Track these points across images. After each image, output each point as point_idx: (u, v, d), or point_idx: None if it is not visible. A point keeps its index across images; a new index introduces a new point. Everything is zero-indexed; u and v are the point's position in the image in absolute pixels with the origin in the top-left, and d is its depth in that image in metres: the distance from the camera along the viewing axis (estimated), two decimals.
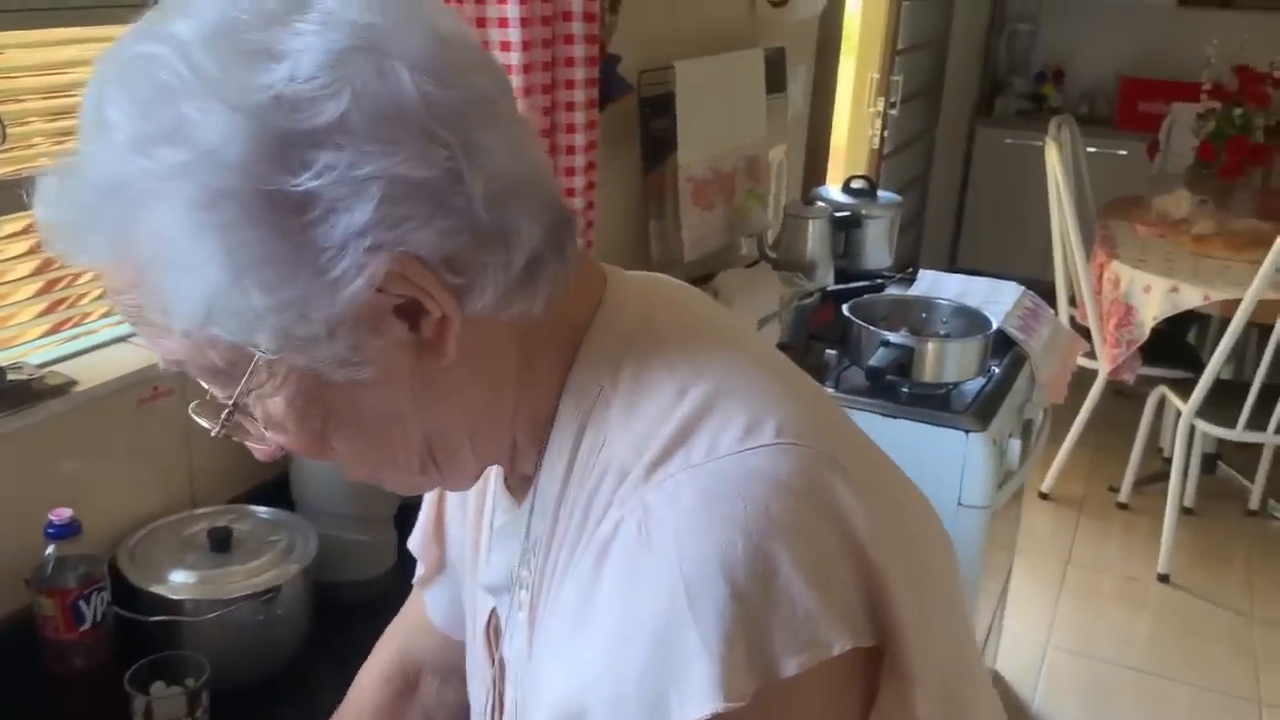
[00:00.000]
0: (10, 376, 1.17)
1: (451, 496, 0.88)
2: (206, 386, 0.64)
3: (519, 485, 0.73)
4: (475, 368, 0.64)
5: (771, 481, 0.58)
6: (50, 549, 1.10)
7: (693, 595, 0.55)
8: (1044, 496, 3.51)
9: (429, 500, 0.90)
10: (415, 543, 0.92)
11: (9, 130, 1.14)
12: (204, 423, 0.65)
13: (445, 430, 0.66)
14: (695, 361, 0.65)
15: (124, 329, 1.37)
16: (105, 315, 1.36)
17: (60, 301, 1.31)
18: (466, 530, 0.84)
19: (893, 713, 0.59)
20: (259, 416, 0.63)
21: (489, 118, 0.60)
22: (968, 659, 0.70)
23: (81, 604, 1.11)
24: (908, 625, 0.58)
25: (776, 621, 0.55)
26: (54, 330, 1.31)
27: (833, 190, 2.71)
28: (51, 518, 1.10)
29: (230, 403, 0.62)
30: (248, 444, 0.66)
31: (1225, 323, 2.97)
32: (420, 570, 0.92)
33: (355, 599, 1.38)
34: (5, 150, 1.15)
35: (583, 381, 0.66)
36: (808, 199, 2.62)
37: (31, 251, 1.27)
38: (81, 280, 1.32)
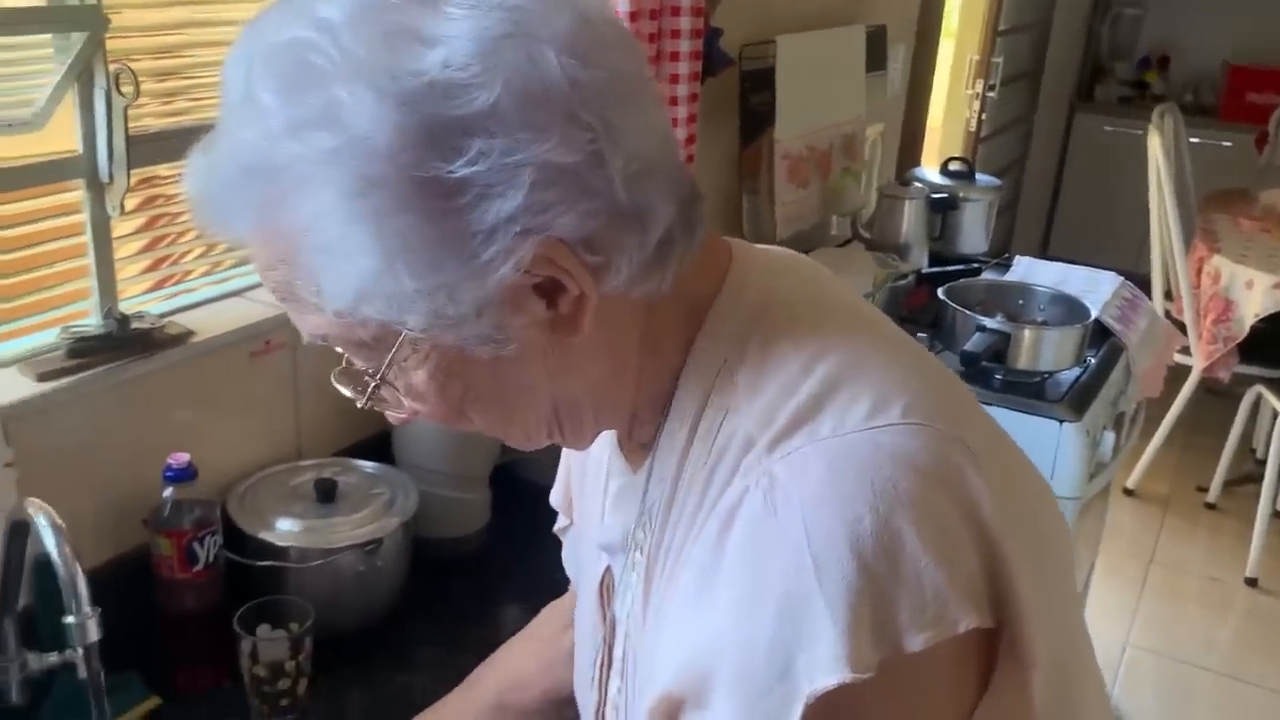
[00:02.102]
0: (134, 325, 1.22)
1: (573, 455, 0.90)
2: (349, 358, 0.66)
3: (635, 451, 0.74)
4: (603, 342, 0.65)
5: (899, 459, 0.58)
6: (168, 491, 1.14)
7: (820, 567, 0.55)
8: (1129, 493, 3.44)
9: (565, 458, 0.93)
10: (555, 498, 0.95)
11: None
12: (346, 391, 0.67)
13: (573, 400, 0.68)
14: (822, 337, 0.65)
15: (231, 285, 1.41)
16: (206, 274, 1.40)
17: (164, 259, 1.35)
18: (585, 488, 0.86)
19: (1008, 695, 0.59)
20: (401, 387, 0.65)
21: (629, 97, 0.61)
22: (1081, 648, 0.70)
23: (195, 546, 1.15)
24: (1027, 608, 0.58)
25: (903, 596, 0.55)
26: (156, 287, 1.34)
27: (929, 172, 2.67)
28: (170, 461, 1.14)
29: (377, 377, 0.63)
30: (386, 411, 0.68)
31: None
32: (562, 521, 0.95)
33: (449, 555, 1.41)
34: None
35: (707, 354, 0.67)
36: (904, 179, 2.58)
37: (140, 208, 1.30)
38: (185, 239, 1.36)
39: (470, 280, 0.58)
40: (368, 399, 0.65)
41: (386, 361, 0.62)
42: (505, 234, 0.57)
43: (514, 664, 1.03)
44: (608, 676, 0.80)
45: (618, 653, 0.77)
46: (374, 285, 0.57)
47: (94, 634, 0.83)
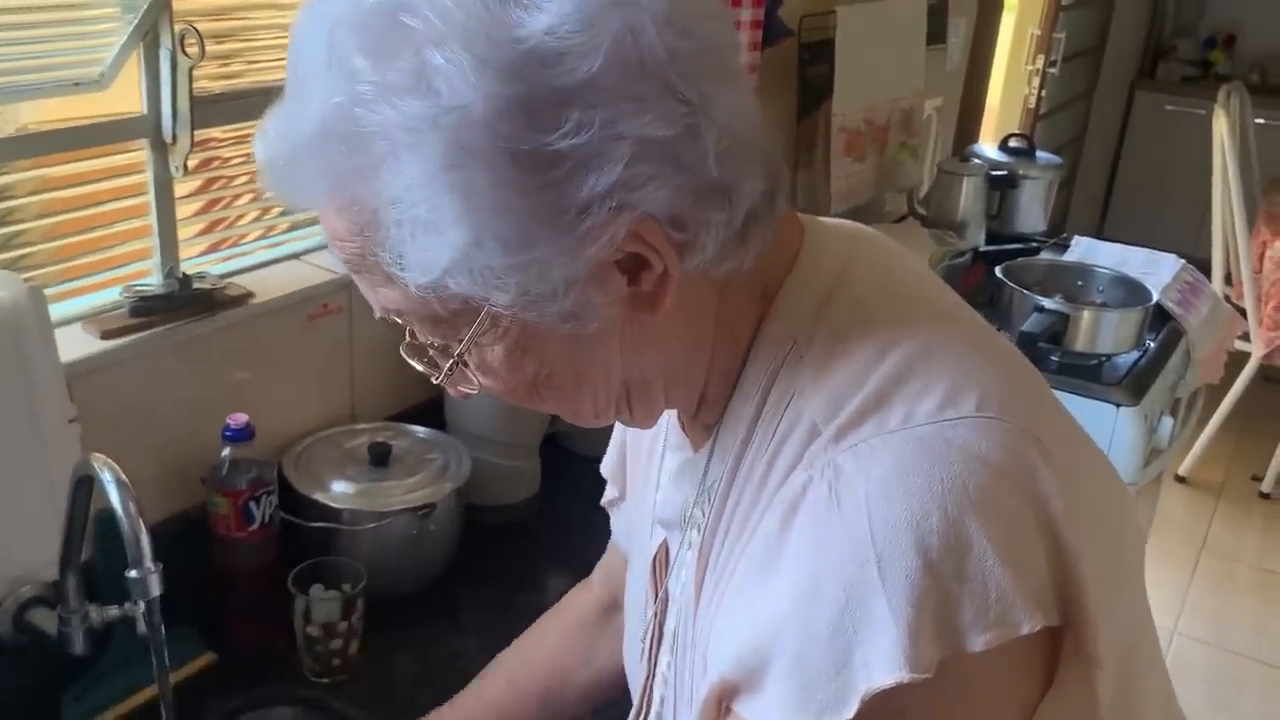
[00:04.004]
0: (195, 285, 1.23)
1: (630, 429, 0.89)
2: (418, 332, 0.64)
3: (698, 430, 0.73)
4: (679, 321, 0.64)
5: (970, 455, 0.56)
6: (226, 451, 1.16)
7: (884, 563, 0.54)
8: (1180, 480, 3.38)
9: (619, 428, 0.91)
10: (607, 467, 0.94)
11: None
12: (418, 366, 0.66)
13: (645, 378, 0.66)
14: (895, 323, 0.63)
15: (287, 248, 1.42)
16: (260, 238, 1.40)
17: (218, 222, 1.36)
18: (640, 460, 0.85)
19: (1073, 691, 0.58)
20: (473, 364, 0.63)
21: (722, 69, 0.59)
22: (1144, 639, 0.69)
23: (252, 505, 1.16)
24: (1094, 608, 0.57)
25: (967, 596, 0.54)
26: (211, 250, 1.35)
27: (987, 148, 2.63)
28: (229, 421, 1.15)
29: (456, 354, 0.62)
30: (454, 386, 0.66)
31: None
32: (611, 493, 0.94)
33: (499, 522, 1.42)
34: None
35: (775, 335, 0.66)
36: (962, 156, 2.55)
37: (195, 170, 1.29)
38: (240, 202, 1.37)
39: (562, 256, 0.56)
40: (444, 376, 0.63)
41: (466, 338, 0.60)
42: (600, 210, 0.55)
43: (555, 661, 1.01)
44: (657, 652, 0.80)
45: (669, 628, 0.77)
46: (463, 259, 0.55)
47: (156, 589, 0.84)
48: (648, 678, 0.81)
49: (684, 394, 0.69)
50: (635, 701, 0.83)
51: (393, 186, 0.54)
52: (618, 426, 0.92)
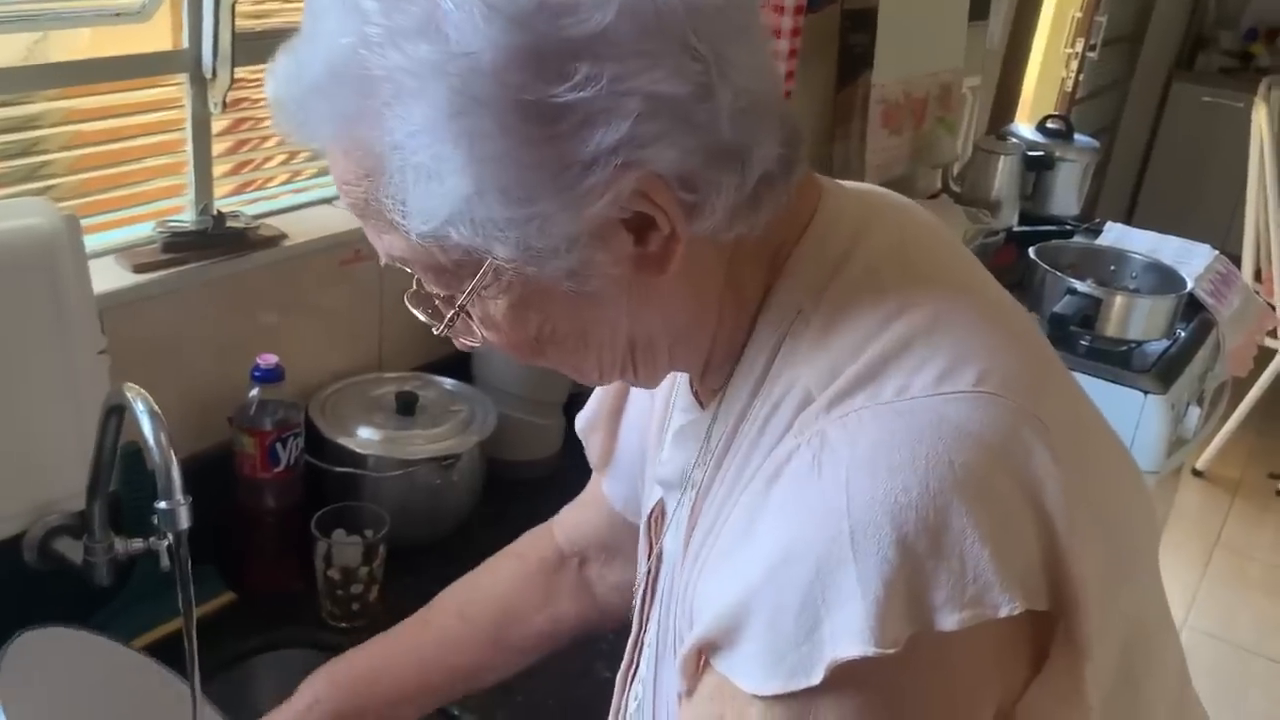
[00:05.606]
0: (229, 224, 1.22)
1: (638, 390, 0.88)
2: (423, 282, 0.63)
3: (706, 394, 0.72)
4: (685, 283, 0.63)
5: (961, 432, 0.55)
6: (254, 391, 1.15)
7: (857, 537, 0.53)
8: (1197, 474, 3.37)
9: (607, 389, 0.90)
10: (581, 425, 0.92)
11: None
12: (421, 316, 0.65)
13: (650, 339, 0.65)
14: (905, 294, 0.62)
15: (319, 193, 1.41)
16: (286, 182, 1.39)
17: (246, 162, 1.35)
18: (651, 421, 0.84)
19: (1060, 680, 0.57)
20: (476, 316, 0.63)
21: (741, 27, 0.57)
22: (1152, 632, 0.67)
23: (278, 446, 1.16)
24: (1088, 596, 0.55)
25: (943, 575, 0.52)
26: (238, 190, 1.34)
27: (1023, 128, 2.60)
28: (259, 361, 1.15)
29: (456, 305, 0.61)
30: (458, 339, 0.65)
31: None
32: (591, 454, 0.93)
33: (520, 478, 1.42)
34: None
35: (783, 301, 0.64)
36: (999, 135, 2.52)
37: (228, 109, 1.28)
38: (268, 144, 1.35)
39: (564, 212, 0.55)
40: (445, 326, 0.63)
41: (467, 289, 0.59)
42: (605, 166, 0.53)
43: (511, 597, 0.99)
44: (650, 606, 0.80)
45: (662, 585, 0.77)
46: (464, 209, 0.54)
47: (185, 521, 0.83)
48: (640, 630, 0.81)
49: (689, 357, 0.68)
50: (626, 654, 0.84)
51: (397, 132, 0.54)
52: (602, 389, 0.90)
